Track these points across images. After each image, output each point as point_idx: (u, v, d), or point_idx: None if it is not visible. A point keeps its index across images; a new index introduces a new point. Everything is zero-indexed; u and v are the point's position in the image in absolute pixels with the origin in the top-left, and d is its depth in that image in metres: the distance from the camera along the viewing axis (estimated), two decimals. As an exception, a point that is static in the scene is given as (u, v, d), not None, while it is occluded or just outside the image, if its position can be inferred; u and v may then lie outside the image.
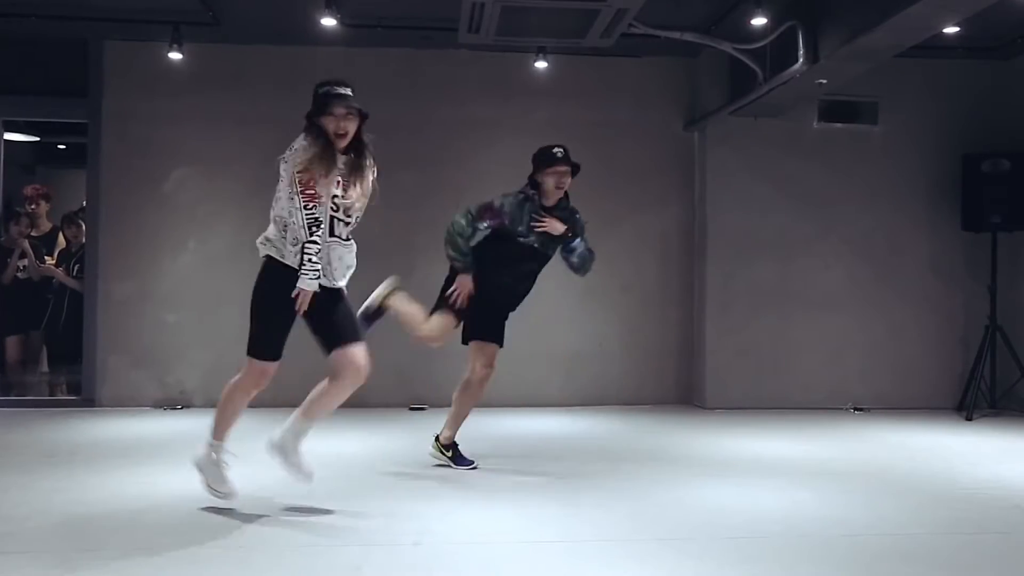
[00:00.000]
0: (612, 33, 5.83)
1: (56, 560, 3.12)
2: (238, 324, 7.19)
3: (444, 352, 7.09)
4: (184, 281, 7.13)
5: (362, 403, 6.96)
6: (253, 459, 4.94)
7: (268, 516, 3.74)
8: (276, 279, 3.61)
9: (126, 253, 7.06)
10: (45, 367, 7.94)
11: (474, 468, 4.70)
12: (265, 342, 3.69)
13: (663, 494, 4.26)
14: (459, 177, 7.18)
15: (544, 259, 4.79)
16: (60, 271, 7.42)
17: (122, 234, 7.06)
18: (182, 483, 4.10)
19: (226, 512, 3.74)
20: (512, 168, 7.72)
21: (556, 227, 4.63)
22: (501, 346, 4.79)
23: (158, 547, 3.27)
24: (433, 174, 7.13)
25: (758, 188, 7.21)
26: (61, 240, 7.61)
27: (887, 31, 5.10)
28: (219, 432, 3.80)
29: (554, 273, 7.28)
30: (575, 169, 4.70)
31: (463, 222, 4.64)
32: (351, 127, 3.70)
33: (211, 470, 3.79)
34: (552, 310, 7.37)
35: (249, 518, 3.71)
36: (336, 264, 3.71)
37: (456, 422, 4.79)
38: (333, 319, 3.72)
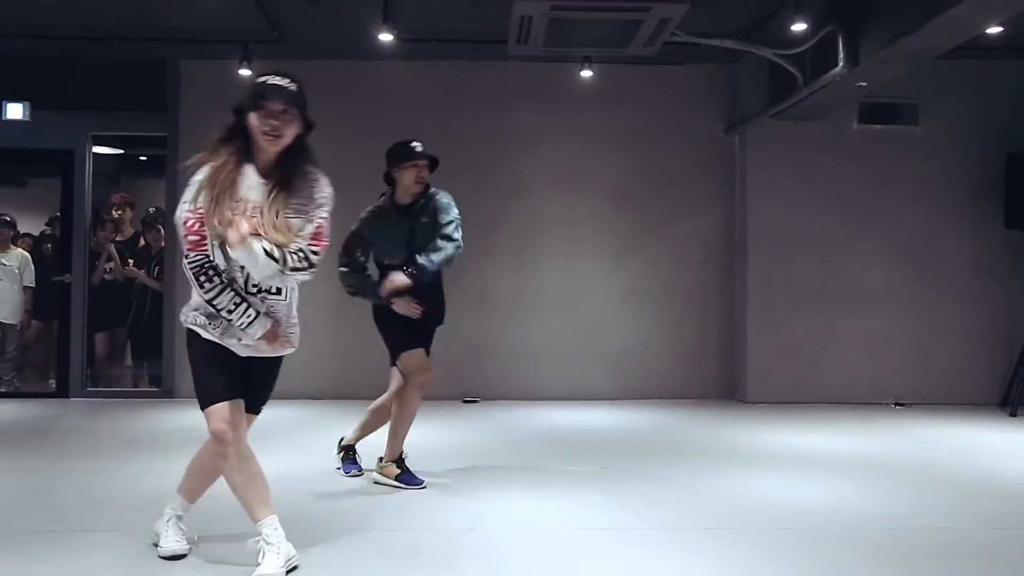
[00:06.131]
0: (655, 42, 5.91)
1: (140, 538, 3.36)
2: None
3: (494, 350, 7.45)
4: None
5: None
6: (321, 448, 5.12)
7: (329, 501, 3.95)
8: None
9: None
10: (129, 361, 8.46)
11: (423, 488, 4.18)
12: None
13: (707, 485, 4.32)
14: (506, 181, 7.48)
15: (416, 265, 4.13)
16: (142, 273, 7.93)
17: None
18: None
19: (290, 497, 3.90)
20: (562, 173, 8.02)
21: (397, 282, 4.06)
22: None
23: (231, 526, 3.47)
24: (486, 178, 7.39)
25: (798, 190, 7.25)
26: (141, 243, 8.14)
27: (929, 33, 5.01)
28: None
29: (599, 274, 7.57)
30: (434, 163, 4.23)
31: (342, 268, 4.18)
32: (287, 131, 2.76)
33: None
34: (598, 310, 7.63)
35: (311, 502, 3.92)
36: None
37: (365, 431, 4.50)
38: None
